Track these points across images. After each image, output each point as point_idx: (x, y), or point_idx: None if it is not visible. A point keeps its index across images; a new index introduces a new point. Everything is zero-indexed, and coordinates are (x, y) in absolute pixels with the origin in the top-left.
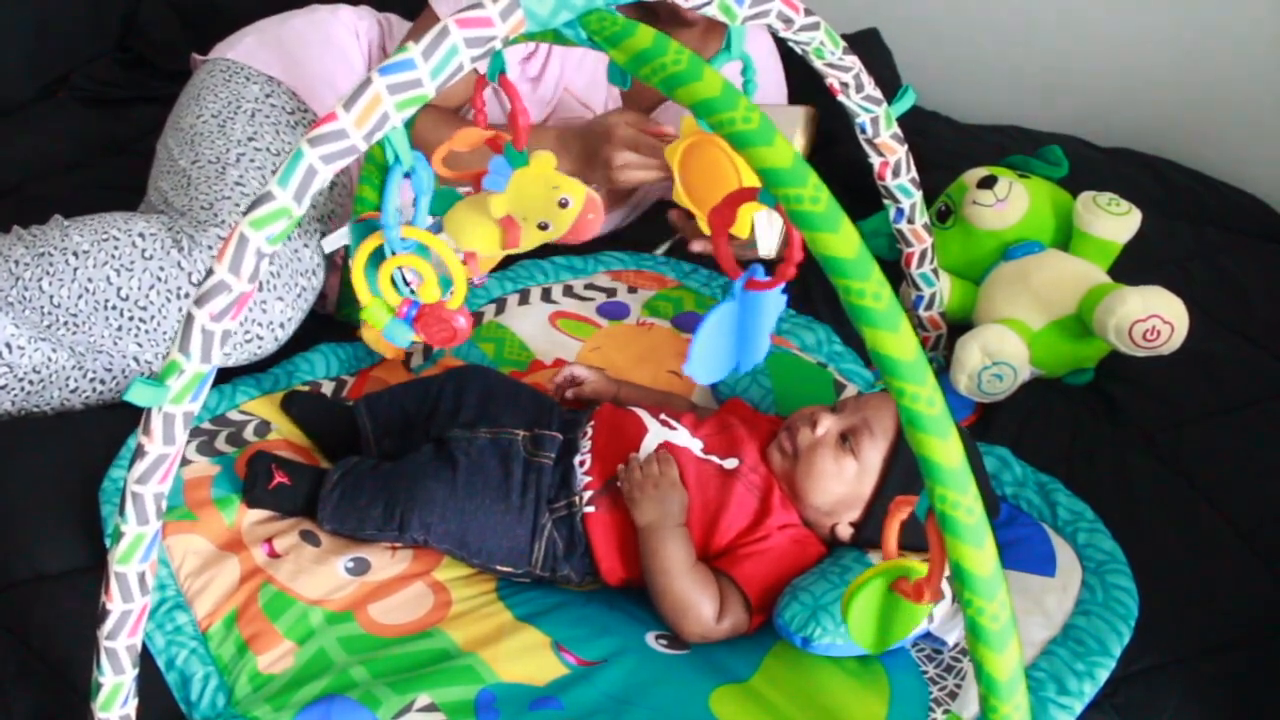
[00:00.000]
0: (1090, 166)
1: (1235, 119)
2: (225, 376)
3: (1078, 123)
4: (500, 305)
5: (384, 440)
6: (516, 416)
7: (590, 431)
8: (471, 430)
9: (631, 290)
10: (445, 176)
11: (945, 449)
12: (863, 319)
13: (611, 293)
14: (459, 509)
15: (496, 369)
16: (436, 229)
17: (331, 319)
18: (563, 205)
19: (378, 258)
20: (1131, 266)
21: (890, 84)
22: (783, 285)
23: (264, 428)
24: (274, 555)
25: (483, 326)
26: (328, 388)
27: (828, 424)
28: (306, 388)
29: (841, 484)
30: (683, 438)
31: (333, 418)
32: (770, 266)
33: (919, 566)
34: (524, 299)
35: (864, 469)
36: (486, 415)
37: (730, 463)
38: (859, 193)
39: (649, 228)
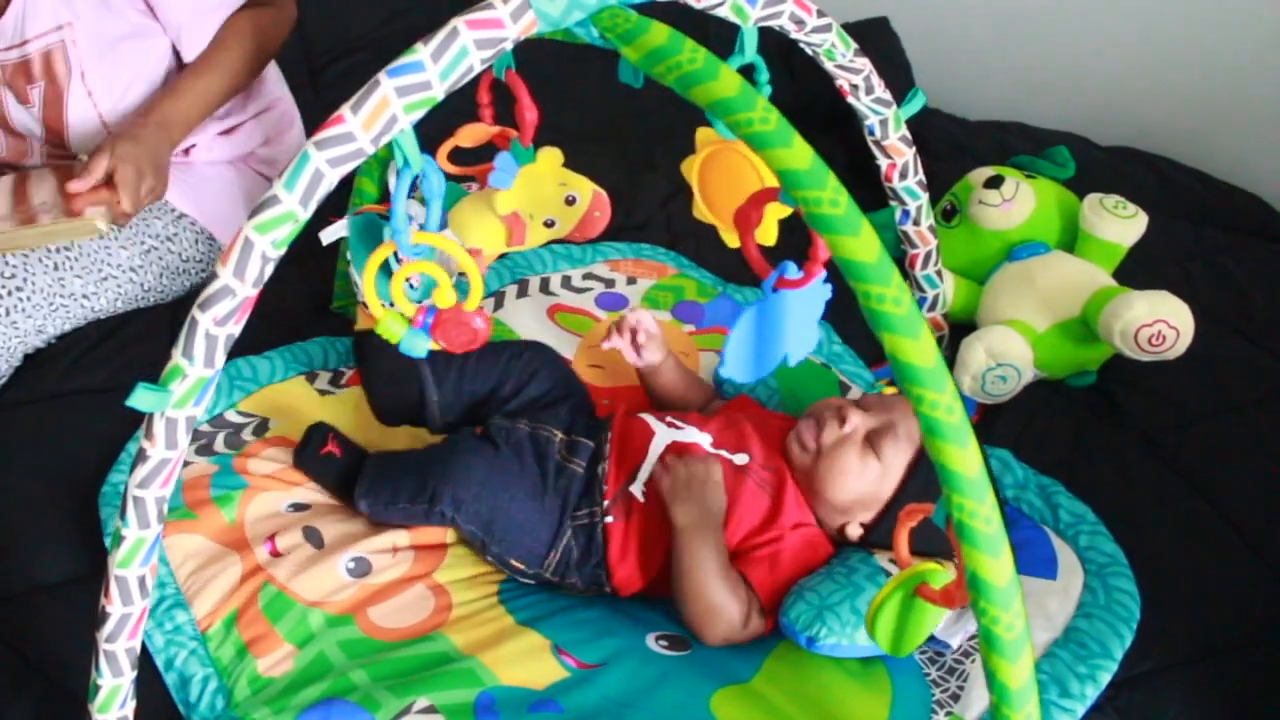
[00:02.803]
0: (1092, 165)
1: (1235, 119)
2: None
3: (1079, 121)
4: (499, 300)
5: (448, 414)
6: (556, 417)
7: (609, 439)
8: (512, 420)
9: (631, 281)
10: (450, 172)
11: (964, 457)
12: (882, 324)
13: (610, 284)
14: (494, 492)
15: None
16: (440, 225)
17: (327, 309)
18: (569, 202)
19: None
20: (1132, 267)
21: (901, 70)
22: (825, 276)
23: (262, 427)
24: (276, 554)
25: None
26: (324, 378)
27: (856, 421)
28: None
29: (863, 483)
30: (690, 435)
31: (408, 382)
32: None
33: (938, 571)
34: (522, 291)
35: (887, 471)
36: (529, 410)
37: (740, 458)
38: (870, 173)
39: (655, 225)
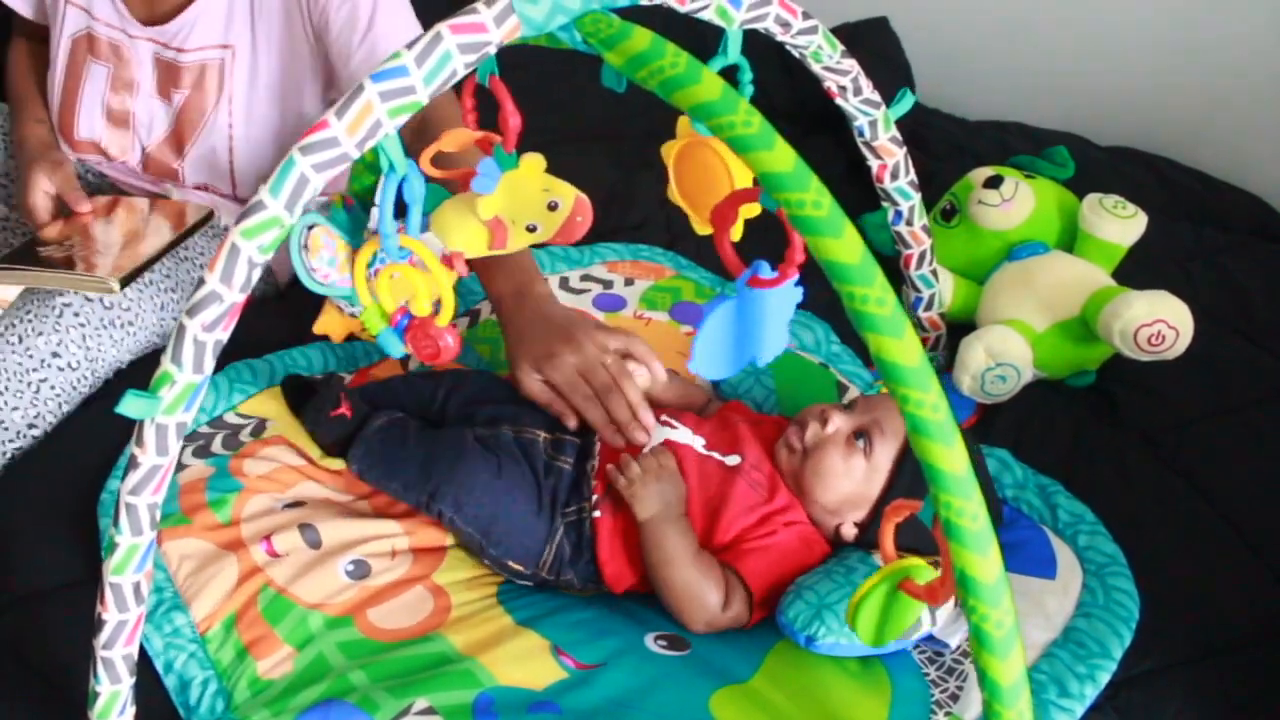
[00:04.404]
0: (1091, 165)
1: (1235, 119)
2: (216, 368)
3: (1079, 121)
4: None
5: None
6: (535, 416)
7: (598, 435)
8: (493, 428)
9: (629, 282)
10: (433, 176)
11: (950, 455)
12: (866, 325)
13: (608, 285)
14: (496, 498)
15: (494, 374)
16: (423, 228)
17: None
18: (552, 208)
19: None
20: (1132, 267)
21: (900, 70)
22: (796, 279)
23: (260, 428)
24: (273, 554)
25: (479, 326)
26: None
27: (838, 422)
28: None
29: (849, 482)
30: (684, 435)
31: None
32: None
33: (924, 567)
34: None
35: (873, 469)
36: (505, 413)
37: (732, 459)
38: (868, 173)
39: (654, 224)
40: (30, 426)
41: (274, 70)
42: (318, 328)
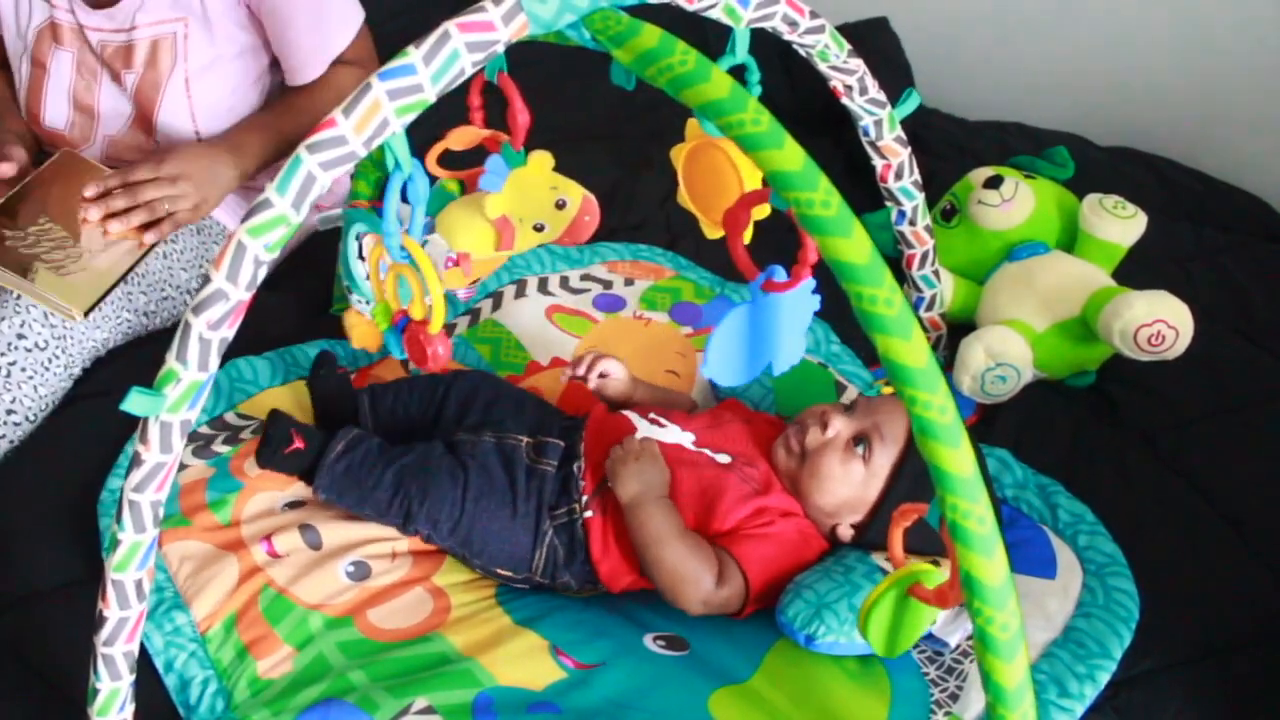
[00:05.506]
0: (1091, 165)
1: (1235, 119)
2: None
3: (1079, 121)
4: (497, 300)
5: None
6: (520, 422)
7: (583, 436)
8: (476, 434)
9: (629, 283)
10: (440, 175)
11: (957, 458)
12: (874, 325)
13: (608, 285)
14: (467, 510)
15: (496, 374)
16: (428, 229)
17: (327, 311)
18: (559, 207)
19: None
20: (1132, 267)
21: (901, 70)
22: (814, 285)
23: (261, 430)
24: (274, 555)
25: (479, 325)
26: None
27: (838, 426)
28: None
29: (847, 487)
30: (673, 434)
31: (347, 403)
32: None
33: (932, 571)
34: (520, 291)
35: (872, 474)
36: (490, 420)
37: (723, 458)
38: (868, 174)
39: (653, 224)
40: (9, 413)
41: (225, 37)
42: (355, 342)
